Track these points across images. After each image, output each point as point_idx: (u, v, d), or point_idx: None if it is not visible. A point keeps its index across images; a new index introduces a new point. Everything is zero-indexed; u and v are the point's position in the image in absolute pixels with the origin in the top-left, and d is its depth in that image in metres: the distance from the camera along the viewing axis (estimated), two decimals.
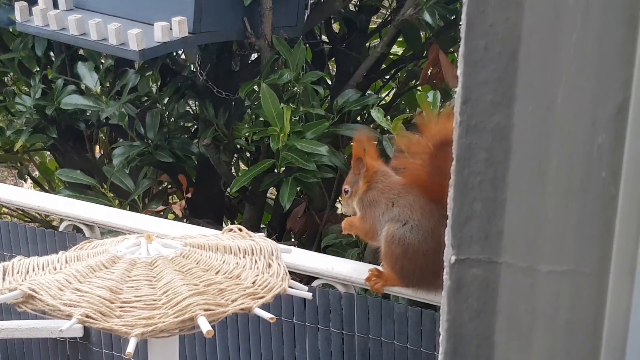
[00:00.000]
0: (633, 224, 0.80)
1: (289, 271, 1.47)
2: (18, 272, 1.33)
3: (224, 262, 1.38)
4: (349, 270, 1.82)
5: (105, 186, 2.70)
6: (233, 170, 3.09)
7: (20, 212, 3.52)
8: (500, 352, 0.91)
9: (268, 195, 3.17)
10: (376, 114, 2.35)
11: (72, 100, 2.76)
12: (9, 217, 3.53)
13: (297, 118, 2.61)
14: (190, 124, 3.13)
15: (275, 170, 2.61)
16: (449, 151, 1.60)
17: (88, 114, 2.92)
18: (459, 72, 0.85)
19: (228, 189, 3.00)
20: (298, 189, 2.58)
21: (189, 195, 2.88)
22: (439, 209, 1.63)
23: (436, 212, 1.65)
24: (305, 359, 1.86)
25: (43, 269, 1.35)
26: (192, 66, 3.01)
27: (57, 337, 2.08)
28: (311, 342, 1.85)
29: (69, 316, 1.23)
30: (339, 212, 3.23)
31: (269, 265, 1.39)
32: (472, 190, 0.88)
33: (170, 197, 3.25)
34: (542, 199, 0.85)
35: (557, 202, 0.84)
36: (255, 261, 1.39)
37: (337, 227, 2.85)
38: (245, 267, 1.37)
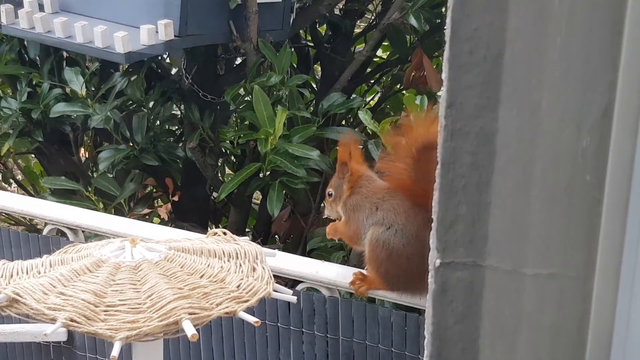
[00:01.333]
0: (617, 227, 0.81)
1: (274, 275, 1.46)
2: (2, 276, 1.32)
3: (208, 265, 1.37)
4: (333, 274, 1.81)
5: (90, 189, 2.68)
6: (219, 174, 3.08)
7: (4, 215, 3.50)
8: (485, 355, 0.91)
9: (253, 199, 3.17)
10: (364, 116, 2.35)
11: (58, 108, 2.75)
12: None
13: (284, 122, 2.60)
14: (175, 128, 3.12)
15: (261, 174, 2.61)
16: (433, 155, 1.61)
17: (74, 117, 2.90)
18: (443, 76, 0.85)
19: (214, 193, 2.99)
20: (283, 191, 2.58)
21: (175, 198, 2.87)
22: (423, 213, 1.63)
23: (420, 216, 1.65)
24: None
25: (27, 272, 1.34)
26: (177, 69, 3.00)
27: (41, 341, 2.06)
28: (295, 345, 1.85)
29: (53, 320, 1.22)
30: (324, 216, 3.23)
31: (254, 269, 1.38)
32: (457, 194, 0.88)
33: (155, 201, 3.24)
34: (527, 203, 0.85)
35: (542, 206, 0.84)
36: (240, 265, 1.38)
37: (322, 231, 2.84)
38: (230, 270, 1.37)
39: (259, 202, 3.18)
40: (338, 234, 1.78)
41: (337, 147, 1.80)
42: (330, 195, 1.76)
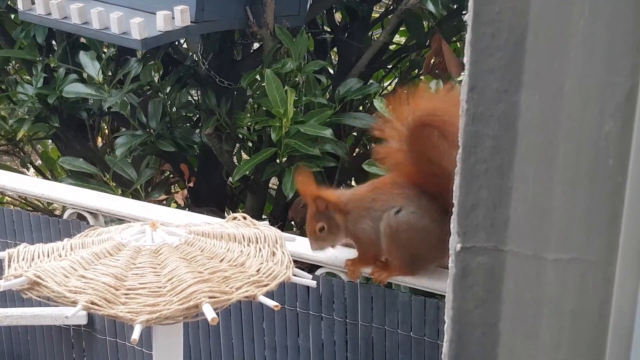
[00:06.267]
0: (636, 213, 0.81)
1: (293, 260, 1.47)
2: (23, 259, 1.34)
3: (228, 250, 1.38)
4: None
5: (108, 175, 2.70)
6: (235, 160, 3.09)
7: (22, 200, 3.53)
8: (505, 340, 0.91)
9: (270, 185, 3.18)
10: (379, 104, 2.35)
11: (74, 89, 2.76)
12: (12, 206, 3.53)
13: (299, 108, 2.60)
14: (192, 114, 3.13)
15: (277, 160, 2.61)
16: (428, 133, 1.60)
17: (90, 102, 2.92)
18: (465, 59, 0.85)
19: (230, 178, 3.00)
20: None
21: (191, 184, 2.88)
22: (411, 189, 1.67)
23: (410, 191, 1.68)
24: (308, 348, 1.87)
25: (48, 256, 1.35)
26: (194, 55, 3.01)
27: (61, 324, 2.09)
28: (314, 330, 1.86)
29: (74, 303, 1.24)
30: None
31: (273, 254, 1.39)
32: (478, 178, 0.88)
33: (172, 187, 3.26)
34: (549, 187, 0.85)
35: (564, 190, 0.84)
36: (260, 249, 1.39)
37: None
38: (250, 255, 1.38)
39: (276, 188, 3.19)
40: (361, 263, 1.76)
41: (297, 182, 1.77)
42: (322, 229, 1.73)
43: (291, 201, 3.04)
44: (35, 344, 2.21)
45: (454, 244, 0.91)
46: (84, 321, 2.06)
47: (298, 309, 1.85)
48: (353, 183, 3.25)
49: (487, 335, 0.92)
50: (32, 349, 2.22)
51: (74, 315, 1.22)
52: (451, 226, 0.92)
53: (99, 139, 3.45)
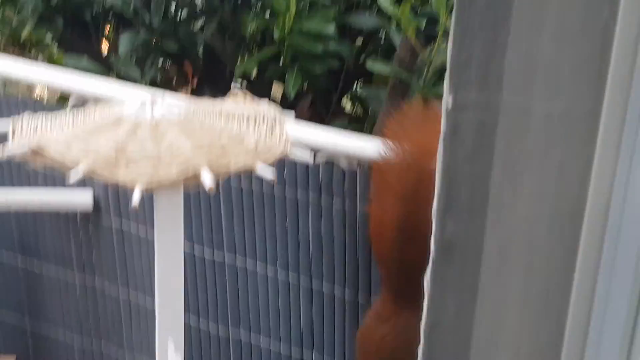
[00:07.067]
0: (627, 63, 0.82)
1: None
2: (27, 129, 1.36)
3: (227, 125, 1.39)
4: (353, 145, 1.82)
5: (112, 74, 2.70)
6: (239, 61, 3.08)
7: None
8: (494, 193, 0.93)
9: (273, 96, 3.17)
10: (384, 3, 2.33)
11: None
12: None
13: (303, 7, 2.57)
14: (195, 13, 3.10)
15: (281, 64, 2.61)
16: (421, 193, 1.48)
17: None
18: None
19: (233, 82, 3.00)
20: (302, 78, 2.58)
21: (194, 84, 2.89)
22: None
23: None
24: (307, 235, 1.89)
25: (50, 127, 1.37)
26: None
27: (67, 210, 2.12)
28: (314, 217, 1.88)
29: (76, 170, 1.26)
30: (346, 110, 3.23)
31: (272, 130, 1.41)
32: (472, 33, 0.89)
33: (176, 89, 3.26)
34: (542, 41, 0.86)
35: (557, 44, 0.85)
36: (259, 126, 1.41)
37: (342, 122, 2.85)
38: (249, 131, 1.39)
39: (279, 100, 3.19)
40: None
41: None
42: None
43: (294, 106, 3.04)
44: (44, 232, 2.25)
45: (446, 100, 0.92)
46: (90, 209, 2.10)
47: (298, 197, 1.87)
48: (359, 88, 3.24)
49: (477, 191, 0.94)
50: (41, 238, 2.26)
51: (76, 178, 1.25)
52: (444, 85, 0.93)
53: (104, 43, 3.43)
